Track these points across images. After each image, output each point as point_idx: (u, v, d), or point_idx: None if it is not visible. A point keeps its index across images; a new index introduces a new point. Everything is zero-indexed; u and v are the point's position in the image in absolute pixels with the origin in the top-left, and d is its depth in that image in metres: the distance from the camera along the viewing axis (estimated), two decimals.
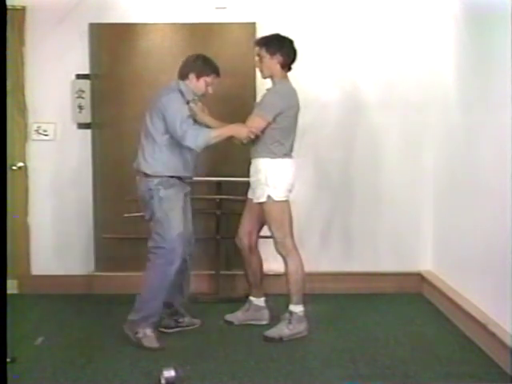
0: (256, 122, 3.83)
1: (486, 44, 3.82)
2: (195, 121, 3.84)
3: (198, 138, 3.72)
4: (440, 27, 4.69)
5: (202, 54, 3.98)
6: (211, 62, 3.93)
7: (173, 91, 3.82)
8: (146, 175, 3.82)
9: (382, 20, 4.79)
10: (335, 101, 4.81)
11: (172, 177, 3.83)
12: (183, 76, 3.90)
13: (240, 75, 4.68)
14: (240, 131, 3.84)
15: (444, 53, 4.61)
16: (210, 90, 3.93)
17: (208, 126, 3.89)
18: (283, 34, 3.94)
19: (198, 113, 3.90)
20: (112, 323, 4.13)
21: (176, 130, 3.72)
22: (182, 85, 3.87)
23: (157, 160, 3.80)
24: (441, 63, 4.66)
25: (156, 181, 3.79)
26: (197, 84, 3.89)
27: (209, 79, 3.89)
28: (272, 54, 3.86)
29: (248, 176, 4.04)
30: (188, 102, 3.85)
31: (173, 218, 3.80)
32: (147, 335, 3.78)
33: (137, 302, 3.84)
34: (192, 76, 3.87)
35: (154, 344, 3.77)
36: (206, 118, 3.93)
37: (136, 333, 3.79)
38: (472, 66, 4.11)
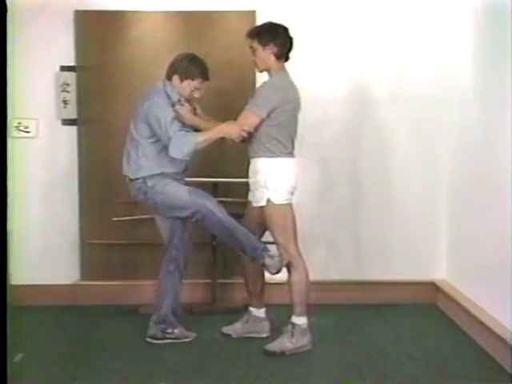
0: (248, 119, 3.70)
1: (506, 37, 3.67)
2: (183, 123, 3.76)
3: (184, 147, 3.66)
4: (457, 17, 4.58)
5: (192, 53, 3.88)
6: (199, 63, 3.83)
7: (156, 94, 3.76)
8: (131, 179, 3.84)
9: (392, 9, 4.70)
10: (341, 96, 4.72)
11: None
12: (169, 76, 3.83)
13: (238, 67, 4.59)
14: (230, 131, 3.71)
15: (460, 44, 4.51)
16: (197, 94, 3.85)
17: (198, 129, 3.80)
18: (284, 22, 3.79)
19: (186, 115, 3.79)
20: (99, 337, 4.09)
21: (162, 138, 3.70)
22: (168, 86, 3.81)
23: (140, 165, 3.78)
24: (457, 55, 4.56)
25: (141, 179, 3.80)
26: (180, 86, 3.81)
27: (194, 83, 3.81)
28: (265, 45, 3.72)
29: (247, 176, 3.92)
30: (174, 105, 3.77)
31: (173, 190, 3.76)
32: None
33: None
34: (175, 78, 3.80)
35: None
36: (196, 120, 3.83)
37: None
38: (491, 59, 4.00)
